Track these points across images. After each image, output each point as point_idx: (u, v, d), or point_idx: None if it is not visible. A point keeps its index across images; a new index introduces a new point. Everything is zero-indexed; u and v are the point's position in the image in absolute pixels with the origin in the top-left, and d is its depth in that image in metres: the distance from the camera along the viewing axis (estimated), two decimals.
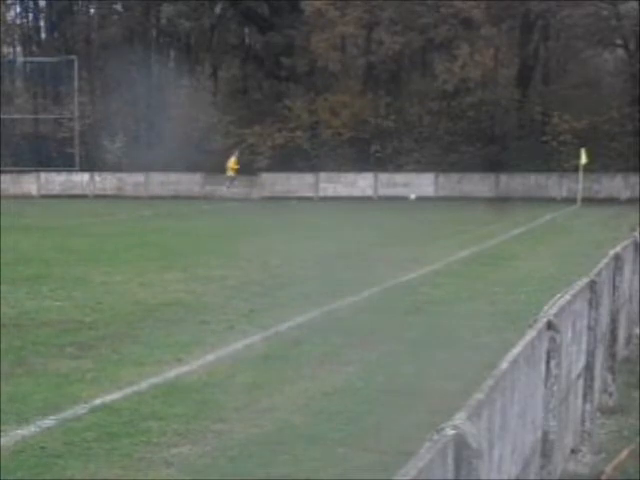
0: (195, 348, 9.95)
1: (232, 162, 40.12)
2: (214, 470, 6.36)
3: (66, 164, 44.85)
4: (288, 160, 42.49)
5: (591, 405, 6.88)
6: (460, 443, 2.97)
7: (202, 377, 8.79)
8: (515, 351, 4.09)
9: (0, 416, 7.38)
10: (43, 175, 44.48)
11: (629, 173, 38.32)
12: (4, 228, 22.40)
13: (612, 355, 8.38)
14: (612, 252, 8.37)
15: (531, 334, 4.52)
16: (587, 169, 34.80)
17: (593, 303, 6.79)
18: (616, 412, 7.86)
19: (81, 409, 7.72)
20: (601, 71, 46.92)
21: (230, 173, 40.13)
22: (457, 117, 43.78)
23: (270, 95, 46.70)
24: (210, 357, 9.59)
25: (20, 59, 54.55)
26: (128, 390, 8.29)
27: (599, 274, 7.16)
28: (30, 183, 44.41)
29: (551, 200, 36.96)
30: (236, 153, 40.18)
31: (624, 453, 6.61)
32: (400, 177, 40.70)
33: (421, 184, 40.30)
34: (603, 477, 6.21)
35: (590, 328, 6.76)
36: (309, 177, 41.44)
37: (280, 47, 45.58)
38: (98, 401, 7.93)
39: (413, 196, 39.43)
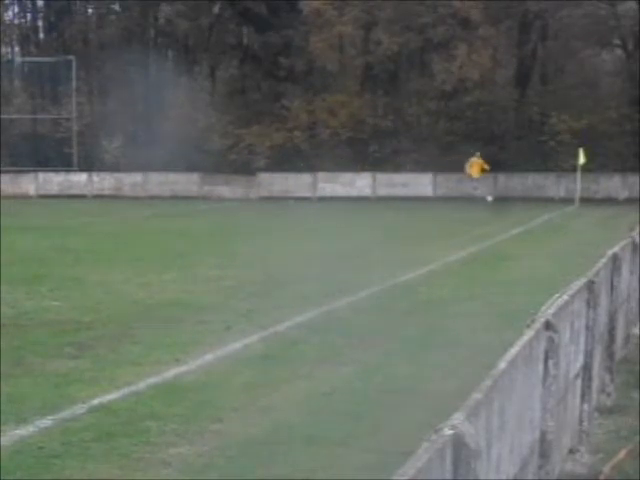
0: (193, 348, 9.95)
1: (473, 164, 38.43)
2: (212, 470, 6.37)
3: (64, 164, 44.77)
4: (286, 160, 42.43)
5: (589, 405, 6.89)
6: (458, 443, 2.97)
7: (200, 377, 8.80)
8: (513, 351, 4.10)
9: None
10: (41, 175, 44.38)
11: (627, 173, 38.27)
12: (3, 228, 22.33)
13: (610, 355, 8.39)
14: (610, 252, 8.38)
15: (529, 334, 4.53)
16: (585, 169, 34.76)
17: (591, 303, 6.80)
18: (614, 412, 7.86)
19: (79, 409, 7.72)
20: (599, 71, 46.86)
21: (473, 175, 38.44)
22: (455, 117, 43.72)
23: (268, 95, 46.65)
24: (208, 357, 9.59)
25: (18, 59, 54.45)
26: (126, 390, 8.29)
27: (597, 274, 7.17)
28: (28, 183, 44.31)
29: (549, 200, 36.90)
30: (477, 154, 38.57)
31: (622, 453, 6.62)
32: (398, 177, 40.64)
33: (419, 184, 40.24)
34: (601, 477, 6.22)
35: (588, 328, 6.76)
36: (307, 177, 41.36)
37: (278, 47, 45.55)
38: (96, 401, 7.93)
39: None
